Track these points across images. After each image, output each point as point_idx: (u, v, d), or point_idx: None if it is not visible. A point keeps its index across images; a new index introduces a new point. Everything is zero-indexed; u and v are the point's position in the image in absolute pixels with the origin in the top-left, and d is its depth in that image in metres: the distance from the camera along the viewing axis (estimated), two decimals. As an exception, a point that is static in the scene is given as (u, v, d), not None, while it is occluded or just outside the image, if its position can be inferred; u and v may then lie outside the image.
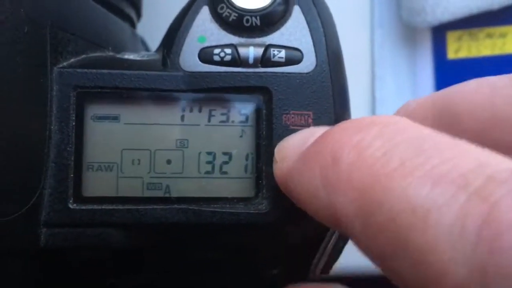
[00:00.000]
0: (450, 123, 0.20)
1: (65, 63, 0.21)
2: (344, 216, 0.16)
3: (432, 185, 0.14)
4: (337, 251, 0.23)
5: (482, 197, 0.14)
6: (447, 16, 0.40)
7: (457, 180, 0.14)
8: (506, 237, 0.13)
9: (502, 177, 0.14)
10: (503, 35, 0.42)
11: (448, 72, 0.43)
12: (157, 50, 0.23)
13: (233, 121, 0.21)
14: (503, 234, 0.13)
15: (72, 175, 0.20)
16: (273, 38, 0.21)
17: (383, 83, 0.42)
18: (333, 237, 0.22)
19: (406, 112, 0.21)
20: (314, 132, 0.19)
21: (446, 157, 0.15)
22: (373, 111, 0.44)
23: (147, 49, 0.32)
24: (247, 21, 0.21)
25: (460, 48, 0.42)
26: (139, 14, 0.29)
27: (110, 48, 0.23)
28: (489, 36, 0.42)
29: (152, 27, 0.31)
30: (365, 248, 0.16)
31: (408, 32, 0.43)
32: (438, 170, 0.15)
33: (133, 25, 0.28)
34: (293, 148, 0.19)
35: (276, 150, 0.20)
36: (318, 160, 0.17)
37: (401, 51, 0.43)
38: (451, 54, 0.43)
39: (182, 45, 0.21)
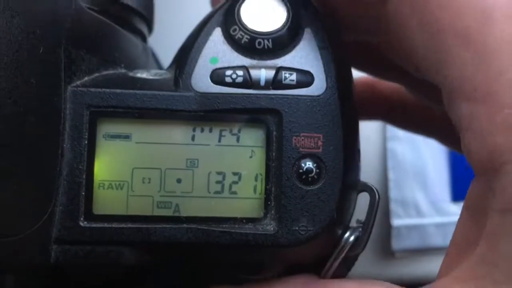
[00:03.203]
0: None
1: (78, 82, 0.21)
2: None
3: None
4: (350, 262, 0.23)
5: None
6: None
7: None
8: None
9: None
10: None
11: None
12: (169, 68, 0.23)
13: (243, 142, 0.22)
14: None
15: (83, 193, 0.21)
16: (285, 60, 0.22)
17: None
18: (344, 249, 0.22)
19: None
20: None
21: None
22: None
23: (157, 61, 0.32)
24: (259, 43, 0.21)
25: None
26: (150, 29, 0.29)
27: (122, 65, 0.24)
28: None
29: (164, 40, 0.31)
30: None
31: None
32: None
33: (144, 39, 0.29)
34: None
35: None
36: None
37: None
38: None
39: (194, 66, 0.22)
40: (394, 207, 0.44)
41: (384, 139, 0.45)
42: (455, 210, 0.45)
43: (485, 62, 0.17)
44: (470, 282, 0.18)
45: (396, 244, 0.44)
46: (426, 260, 0.44)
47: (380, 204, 0.23)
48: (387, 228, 0.44)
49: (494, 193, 0.17)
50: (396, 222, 0.44)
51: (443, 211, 0.45)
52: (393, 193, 0.45)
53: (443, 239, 0.44)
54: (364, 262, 0.42)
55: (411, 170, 0.45)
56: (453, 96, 0.18)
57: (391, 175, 0.45)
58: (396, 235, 0.44)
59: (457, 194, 0.45)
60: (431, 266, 0.20)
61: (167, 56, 0.25)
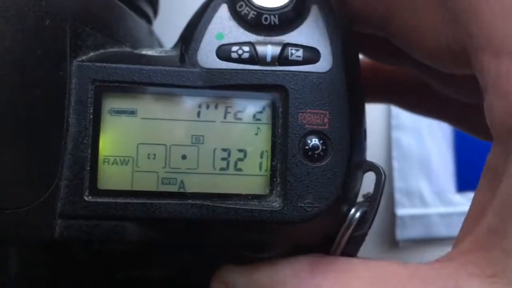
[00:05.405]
0: None
1: (84, 57, 0.21)
2: None
3: None
4: (358, 242, 0.23)
5: None
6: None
7: None
8: None
9: None
10: None
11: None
12: (175, 46, 0.23)
13: (248, 119, 0.21)
14: None
15: (88, 168, 0.21)
16: (291, 37, 0.21)
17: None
18: (351, 225, 0.22)
19: None
20: None
21: None
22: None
23: (161, 46, 0.32)
24: (266, 19, 0.21)
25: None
26: (155, 12, 0.29)
27: (127, 44, 0.24)
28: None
29: (168, 26, 0.31)
30: None
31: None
32: None
33: (149, 22, 0.29)
34: None
35: None
36: None
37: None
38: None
39: (200, 42, 0.21)
40: (398, 196, 0.44)
41: (389, 129, 0.45)
42: (459, 200, 0.45)
43: (509, 14, 0.16)
44: (477, 253, 0.16)
45: (400, 233, 0.44)
46: (430, 249, 0.44)
47: (384, 193, 0.22)
48: (392, 217, 0.44)
49: (510, 157, 0.16)
50: (400, 211, 0.44)
51: (448, 201, 0.45)
52: (397, 183, 0.44)
53: (447, 229, 0.44)
54: (368, 251, 0.42)
55: (416, 160, 0.45)
56: (479, 54, 0.17)
57: (395, 165, 0.45)
58: (400, 225, 0.44)
59: (462, 184, 0.45)
60: (435, 255, 0.20)
61: (171, 43, 0.25)
